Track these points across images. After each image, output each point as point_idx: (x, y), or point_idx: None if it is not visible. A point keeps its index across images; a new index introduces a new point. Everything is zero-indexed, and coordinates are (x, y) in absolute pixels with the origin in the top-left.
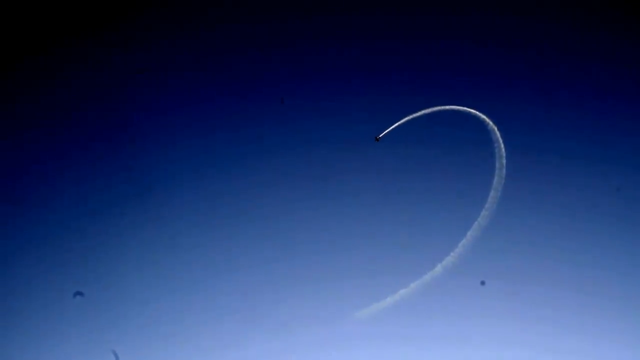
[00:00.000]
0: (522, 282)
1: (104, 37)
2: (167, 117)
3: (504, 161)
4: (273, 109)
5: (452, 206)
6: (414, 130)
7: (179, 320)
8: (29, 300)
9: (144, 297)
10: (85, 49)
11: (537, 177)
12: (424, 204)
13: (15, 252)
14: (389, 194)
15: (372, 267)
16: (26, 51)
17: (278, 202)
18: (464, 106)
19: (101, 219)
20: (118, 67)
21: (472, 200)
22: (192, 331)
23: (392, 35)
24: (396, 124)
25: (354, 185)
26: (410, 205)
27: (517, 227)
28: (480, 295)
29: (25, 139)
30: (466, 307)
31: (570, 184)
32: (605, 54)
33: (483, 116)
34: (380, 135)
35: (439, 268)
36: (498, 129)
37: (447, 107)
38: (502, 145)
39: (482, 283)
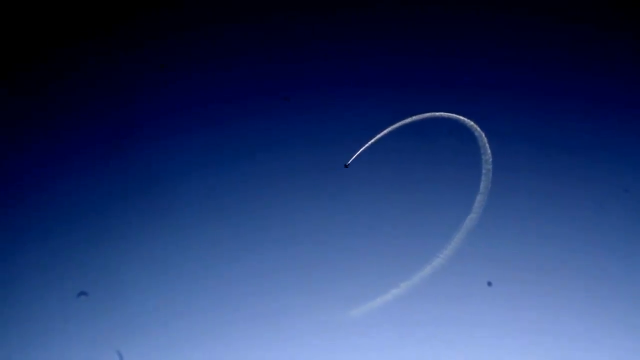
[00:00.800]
0: (511, 281)
1: (102, 34)
2: (167, 114)
3: (490, 166)
4: (275, 107)
5: (441, 208)
6: (402, 136)
7: (180, 318)
8: (31, 299)
9: (147, 296)
10: (84, 47)
11: (524, 177)
12: (413, 205)
13: (17, 251)
14: (380, 196)
15: (363, 268)
16: (26, 50)
17: (272, 200)
18: (449, 113)
19: (104, 217)
20: (119, 64)
21: (460, 203)
22: (191, 330)
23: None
24: (363, 147)
25: (347, 186)
26: (398, 208)
27: (504, 228)
28: (470, 294)
29: (25, 136)
30: (457, 306)
31: (556, 182)
32: (593, 55)
33: (467, 120)
34: (349, 162)
35: (428, 269)
36: (484, 133)
37: (427, 115)
38: (488, 149)
39: (489, 284)
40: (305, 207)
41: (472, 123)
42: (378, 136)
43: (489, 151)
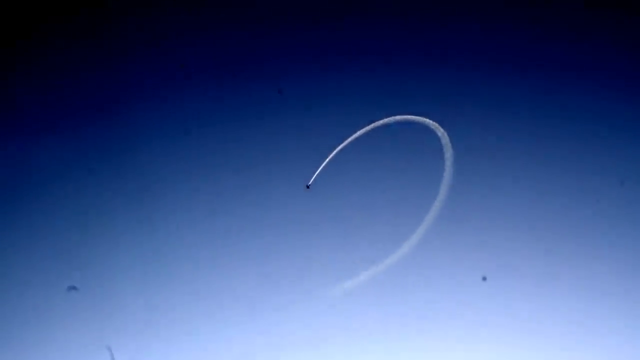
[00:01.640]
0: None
1: (95, 30)
2: (158, 110)
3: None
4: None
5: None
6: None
7: (169, 312)
8: (20, 296)
9: (137, 292)
10: (78, 43)
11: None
12: (385, 184)
13: (9, 248)
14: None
15: (344, 246)
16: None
17: (258, 181)
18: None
19: (93, 214)
20: (110, 60)
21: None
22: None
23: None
24: (322, 165)
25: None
26: (374, 188)
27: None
28: (441, 274)
29: (19, 134)
30: (434, 284)
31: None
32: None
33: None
34: (310, 183)
35: (405, 247)
36: (447, 133)
37: (386, 120)
38: (450, 147)
39: (484, 279)
40: (288, 192)
41: (433, 122)
42: (338, 149)
43: (450, 149)
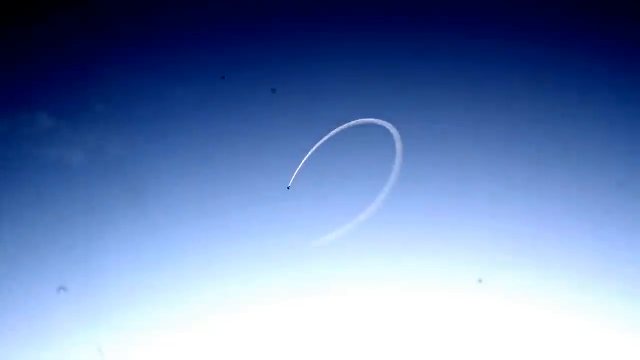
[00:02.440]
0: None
1: (95, 31)
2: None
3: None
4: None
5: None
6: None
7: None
8: (13, 296)
9: (129, 292)
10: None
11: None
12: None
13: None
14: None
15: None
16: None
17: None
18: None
19: (87, 215)
20: (108, 59)
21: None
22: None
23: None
24: (298, 168)
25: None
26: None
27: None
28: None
29: (18, 133)
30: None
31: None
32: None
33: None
34: (290, 185)
35: (377, 202)
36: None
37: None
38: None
39: (480, 281)
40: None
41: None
42: (311, 151)
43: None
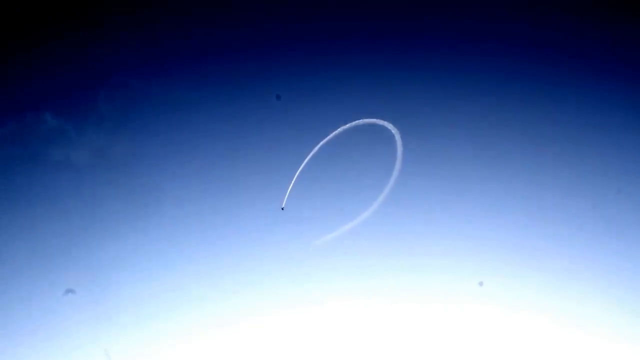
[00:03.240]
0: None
1: (101, 31)
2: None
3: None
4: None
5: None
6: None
7: (166, 312)
8: (20, 298)
9: (134, 294)
10: (85, 44)
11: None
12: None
13: (9, 250)
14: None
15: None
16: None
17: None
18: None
19: (92, 217)
20: (110, 61)
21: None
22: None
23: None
24: (290, 187)
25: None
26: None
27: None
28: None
29: (19, 133)
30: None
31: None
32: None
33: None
34: (283, 205)
35: (375, 205)
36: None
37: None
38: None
39: (480, 284)
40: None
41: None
42: (301, 167)
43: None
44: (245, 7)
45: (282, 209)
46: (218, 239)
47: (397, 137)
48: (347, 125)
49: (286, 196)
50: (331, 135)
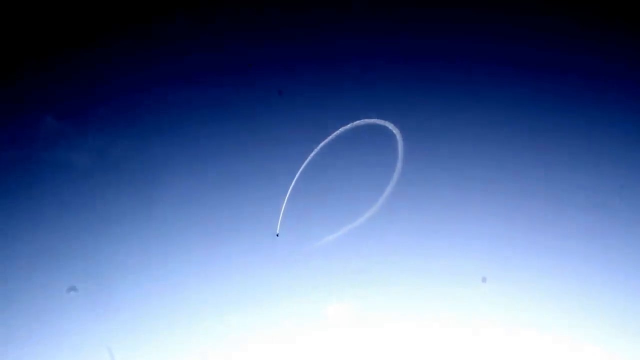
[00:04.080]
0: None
1: (99, 30)
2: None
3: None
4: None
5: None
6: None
7: (169, 311)
8: (22, 296)
9: (137, 292)
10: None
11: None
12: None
13: (10, 248)
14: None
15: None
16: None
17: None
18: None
19: (93, 215)
20: (114, 61)
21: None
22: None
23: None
24: (281, 212)
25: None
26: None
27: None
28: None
29: (19, 133)
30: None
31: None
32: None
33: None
34: (277, 232)
35: (375, 208)
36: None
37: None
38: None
39: (484, 280)
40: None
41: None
42: (292, 185)
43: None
44: (246, 7)
45: (277, 235)
46: (219, 239)
47: (398, 137)
48: (348, 126)
49: (279, 223)
50: (331, 136)
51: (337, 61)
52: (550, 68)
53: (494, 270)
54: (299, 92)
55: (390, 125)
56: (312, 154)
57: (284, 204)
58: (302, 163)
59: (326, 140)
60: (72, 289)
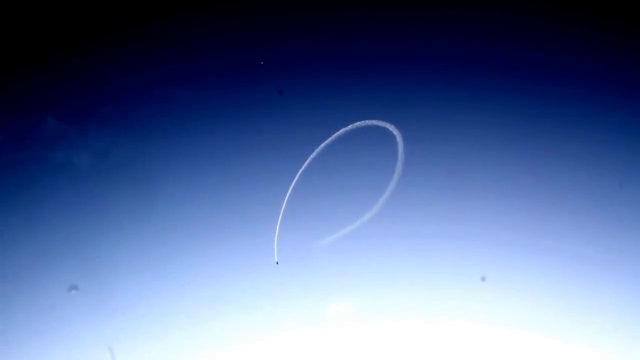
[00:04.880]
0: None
1: (101, 32)
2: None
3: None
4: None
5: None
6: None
7: (170, 310)
8: (24, 295)
9: (137, 291)
10: (84, 46)
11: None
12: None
13: (11, 248)
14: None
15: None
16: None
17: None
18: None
19: (93, 215)
20: (114, 62)
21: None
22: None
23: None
24: (275, 237)
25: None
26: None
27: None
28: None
29: (20, 135)
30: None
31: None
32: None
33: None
34: (277, 261)
35: (376, 207)
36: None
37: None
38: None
39: (483, 279)
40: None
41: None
42: (285, 200)
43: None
44: (246, 7)
45: (277, 263)
46: (219, 239)
47: (399, 138)
48: (349, 127)
49: (275, 251)
50: (332, 138)
51: (337, 61)
52: (550, 68)
53: (493, 270)
54: (299, 92)
55: (391, 127)
56: (312, 155)
57: (284, 205)
58: (303, 164)
59: (326, 142)
60: (73, 287)
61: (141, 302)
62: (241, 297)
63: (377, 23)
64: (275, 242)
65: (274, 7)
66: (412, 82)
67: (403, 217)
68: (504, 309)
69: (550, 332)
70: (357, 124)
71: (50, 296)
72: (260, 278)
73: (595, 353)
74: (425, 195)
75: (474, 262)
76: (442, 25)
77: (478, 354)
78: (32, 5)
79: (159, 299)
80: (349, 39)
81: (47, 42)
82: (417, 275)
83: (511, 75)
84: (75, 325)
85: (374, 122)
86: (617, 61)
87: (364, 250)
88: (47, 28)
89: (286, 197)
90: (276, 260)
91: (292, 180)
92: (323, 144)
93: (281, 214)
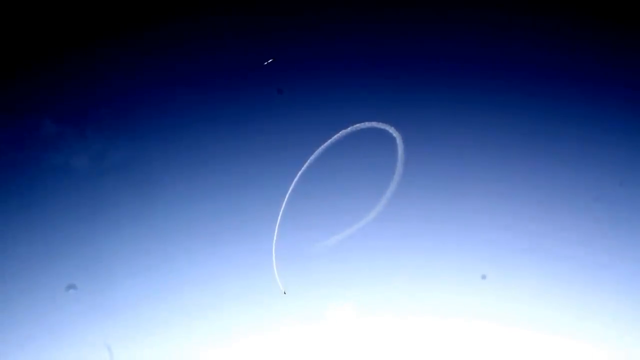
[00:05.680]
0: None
1: (100, 33)
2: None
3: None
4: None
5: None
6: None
7: (170, 309)
8: (24, 295)
9: (137, 291)
10: (85, 48)
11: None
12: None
13: (11, 248)
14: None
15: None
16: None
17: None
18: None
19: (93, 215)
20: (114, 64)
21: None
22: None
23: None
24: (274, 242)
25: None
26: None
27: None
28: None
29: (21, 135)
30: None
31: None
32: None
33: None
34: (284, 291)
35: (375, 212)
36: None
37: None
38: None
39: (483, 277)
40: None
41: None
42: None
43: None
44: (246, 7)
45: (285, 293)
46: (219, 240)
47: (399, 140)
48: (349, 129)
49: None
50: (332, 139)
51: (338, 63)
52: (551, 69)
53: (493, 270)
54: (299, 93)
55: (391, 129)
56: (312, 156)
57: (284, 205)
58: (303, 164)
59: (327, 143)
60: (72, 286)
61: (141, 302)
62: (241, 297)
63: (377, 24)
64: (275, 242)
65: (274, 7)
66: (412, 83)
67: (403, 217)
68: (504, 308)
69: (550, 330)
70: (357, 125)
71: (49, 296)
72: (260, 278)
73: (595, 351)
74: (425, 196)
75: (474, 262)
76: (442, 26)
77: (478, 353)
78: (32, 5)
79: (158, 299)
80: (350, 40)
81: (46, 43)
82: (417, 275)
83: (511, 76)
84: (75, 325)
85: (374, 124)
86: (617, 61)
87: (364, 250)
88: (46, 29)
89: (286, 198)
90: (283, 291)
91: (292, 180)
92: (323, 145)
93: (281, 214)
